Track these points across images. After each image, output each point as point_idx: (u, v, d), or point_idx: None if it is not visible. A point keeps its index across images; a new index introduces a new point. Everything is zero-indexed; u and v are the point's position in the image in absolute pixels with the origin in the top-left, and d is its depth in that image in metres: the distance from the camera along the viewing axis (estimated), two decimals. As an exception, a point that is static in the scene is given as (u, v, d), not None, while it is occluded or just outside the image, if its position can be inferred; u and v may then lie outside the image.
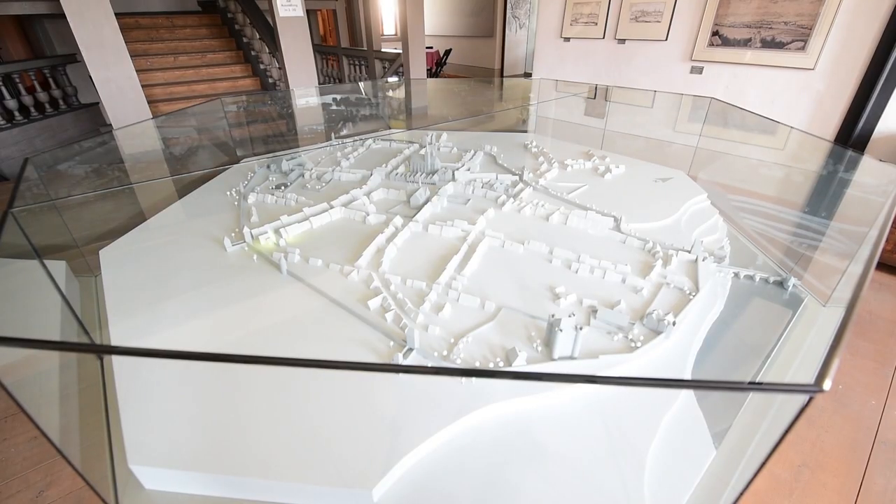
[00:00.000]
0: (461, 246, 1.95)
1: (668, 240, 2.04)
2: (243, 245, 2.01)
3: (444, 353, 1.35)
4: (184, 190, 2.72)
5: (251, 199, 2.51)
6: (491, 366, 1.31)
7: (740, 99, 3.45)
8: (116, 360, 1.37)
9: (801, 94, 3.16)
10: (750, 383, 0.98)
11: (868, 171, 2.05)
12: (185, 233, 2.17)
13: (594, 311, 1.53)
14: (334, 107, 4.83)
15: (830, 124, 3.08)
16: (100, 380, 1.38)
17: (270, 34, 5.69)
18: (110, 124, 4.08)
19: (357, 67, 6.42)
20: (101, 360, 1.45)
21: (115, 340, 1.46)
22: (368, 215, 2.26)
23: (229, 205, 2.50)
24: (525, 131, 4.60)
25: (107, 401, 1.29)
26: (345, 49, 6.47)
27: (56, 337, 1.46)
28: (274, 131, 4.30)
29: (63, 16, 4.16)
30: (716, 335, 1.52)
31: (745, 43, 3.29)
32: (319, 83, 6.16)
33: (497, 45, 8.71)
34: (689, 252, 1.89)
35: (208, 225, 2.23)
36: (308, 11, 7.53)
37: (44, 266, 1.59)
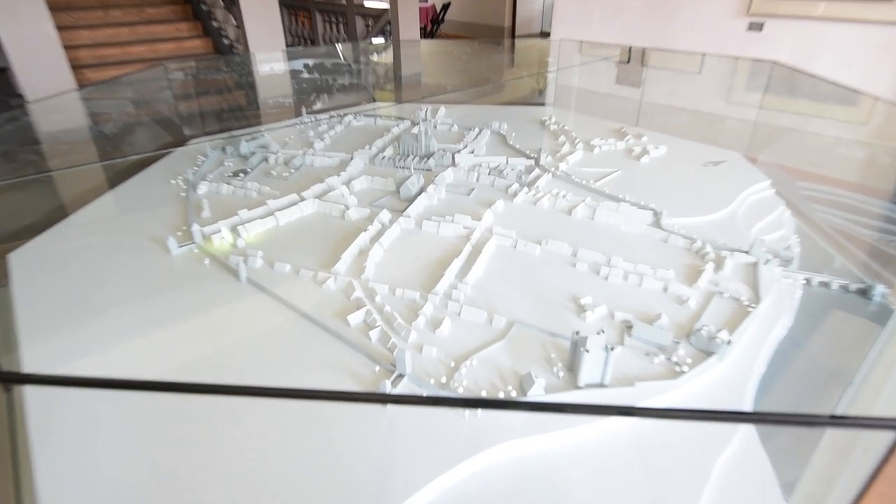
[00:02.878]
0: (463, 247, 1.95)
1: (721, 238, 2.04)
2: (192, 247, 2.00)
3: (443, 379, 1.35)
4: (117, 178, 2.72)
5: (202, 189, 2.52)
6: (501, 395, 1.31)
7: (810, 62, 3.47)
8: (30, 392, 1.36)
9: (885, 54, 3.17)
10: (830, 417, 0.97)
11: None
12: (117, 231, 2.16)
13: (629, 326, 1.52)
14: (306, 75, 4.84)
15: (922, 93, 3.09)
16: (6, 417, 1.37)
17: (226, -15, 5.70)
18: (22, 95, 4.08)
19: (334, 25, 6.44)
20: (10, 391, 1.44)
21: (29, 367, 1.46)
22: (348, 209, 2.26)
23: (174, 196, 2.49)
24: (542, 104, 4.60)
25: (16, 444, 1.28)
26: (318, 3, 6.49)
27: (-44, 362, 1.46)
28: (230, 105, 4.31)
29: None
30: (783, 357, 1.52)
31: (816, -7, 3.31)
32: (287, 45, 6.17)
33: (507, -2, 8.75)
34: (748, 253, 1.89)
35: (148, 221, 2.23)
36: (272, -43, 7.56)
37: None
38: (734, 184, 2.54)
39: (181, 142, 3.49)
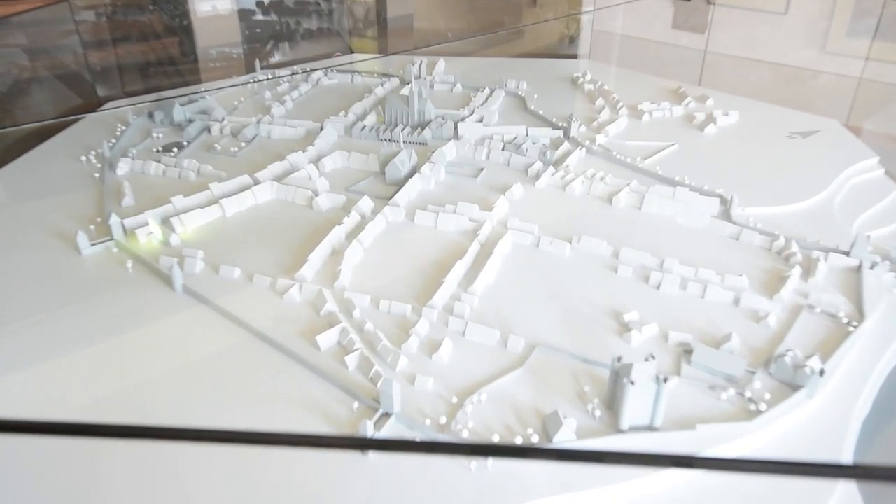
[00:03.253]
0: (469, 245, 1.96)
1: (812, 234, 2.05)
2: (109, 244, 2.02)
3: (442, 419, 1.36)
4: (6, 153, 2.72)
5: (122, 168, 2.52)
6: (518, 440, 1.32)
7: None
8: None
9: None
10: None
11: None
12: (9, 225, 2.17)
13: (688, 351, 1.54)
14: (260, 16, 4.86)
15: None
16: None
17: None
18: None
19: (296, -49, 6.44)
20: None
21: None
22: (317, 195, 2.28)
23: (85, 178, 2.50)
24: (573, 56, 4.60)
25: None
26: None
27: None
28: (159, 56, 4.32)
29: None
30: (895, 392, 1.53)
31: None
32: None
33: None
34: (848, 254, 1.90)
35: (50, 211, 2.24)
36: None
37: None
38: (830, 162, 2.54)
39: (93, 105, 3.49)
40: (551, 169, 2.45)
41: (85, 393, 1.48)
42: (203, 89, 3.54)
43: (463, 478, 1.24)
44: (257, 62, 3.78)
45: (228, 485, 1.24)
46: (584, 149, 2.65)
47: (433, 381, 1.46)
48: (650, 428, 1.34)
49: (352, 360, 1.51)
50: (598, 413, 1.39)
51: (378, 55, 4.53)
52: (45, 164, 2.65)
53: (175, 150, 2.69)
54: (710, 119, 2.94)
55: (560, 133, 2.80)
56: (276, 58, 4.46)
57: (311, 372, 1.50)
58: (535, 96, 3.29)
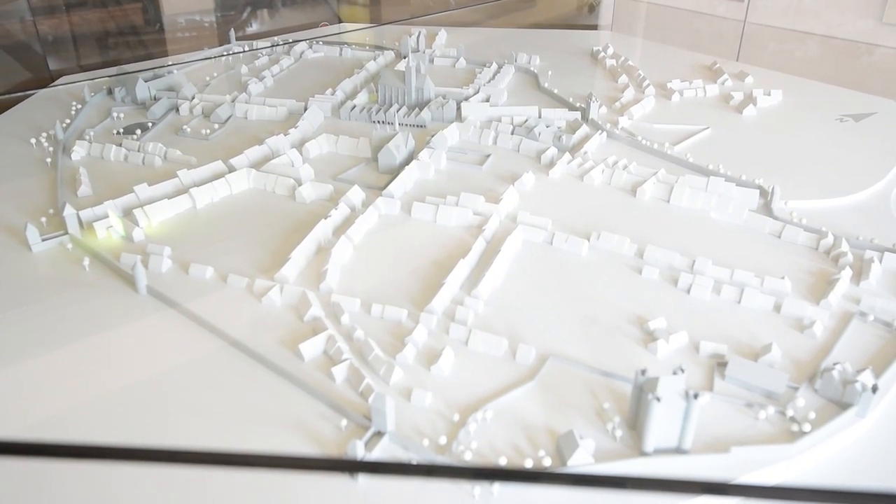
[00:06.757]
0: (473, 243, 1.96)
1: (865, 231, 2.05)
2: (63, 240, 2.02)
3: (442, 439, 1.36)
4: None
5: (78, 152, 2.53)
6: (528, 464, 1.32)
7: None
8: None
9: None
10: None
11: None
12: (-48, 216, 2.18)
13: (721, 364, 1.54)
14: (234, -21, 4.86)
15: None
16: None
17: None
18: None
19: None
20: None
21: None
22: (301, 185, 2.28)
23: (35, 163, 2.50)
24: (594, 27, 4.60)
25: None
26: None
27: None
28: (119, 25, 4.31)
29: None
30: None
31: None
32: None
33: None
34: (904, 254, 1.91)
35: (-3, 202, 2.26)
36: None
37: None
38: (886, 149, 2.54)
39: (45, 80, 3.48)
40: (567, 156, 2.45)
41: (34, 409, 1.47)
42: (170, 63, 3.54)
43: (465, 505, 1.25)
44: (232, 32, 3.78)
45: (199, 512, 1.25)
46: (604, 133, 2.65)
47: (432, 396, 1.46)
48: (678, 450, 1.34)
49: (339, 371, 1.51)
50: (619, 433, 1.39)
51: (370, 25, 4.52)
52: (-11, 148, 2.65)
53: (138, 132, 2.70)
54: (750, 99, 2.94)
55: (577, 115, 2.80)
56: (254, 27, 4.46)
57: (294, 385, 1.50)
58: (550, 73, 3.29)
